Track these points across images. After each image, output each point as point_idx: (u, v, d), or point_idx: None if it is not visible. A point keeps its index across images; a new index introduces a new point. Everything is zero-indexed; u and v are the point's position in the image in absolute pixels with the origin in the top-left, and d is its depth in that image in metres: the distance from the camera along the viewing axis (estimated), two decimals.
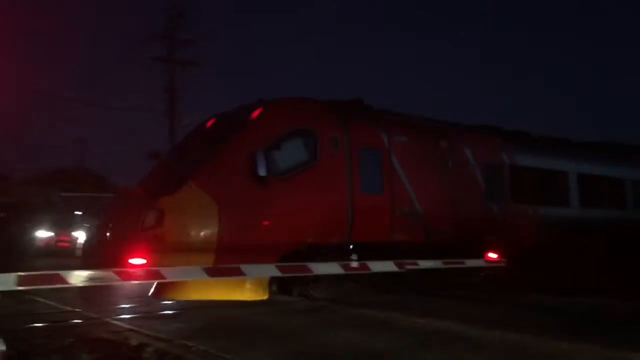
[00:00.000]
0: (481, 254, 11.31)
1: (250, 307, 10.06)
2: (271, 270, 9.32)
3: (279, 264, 9.31)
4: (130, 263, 8.60)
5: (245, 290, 9.69)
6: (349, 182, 10.86)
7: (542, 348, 7.13)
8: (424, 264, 10.83)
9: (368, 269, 10.54)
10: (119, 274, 7.36)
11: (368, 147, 11.30)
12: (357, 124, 11.39)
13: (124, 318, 9.45)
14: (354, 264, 10.05)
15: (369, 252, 10.29)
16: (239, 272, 8.13)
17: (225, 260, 8.89)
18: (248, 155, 9.58)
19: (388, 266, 11.34)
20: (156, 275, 7.79)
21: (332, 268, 9.90)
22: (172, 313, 10.04)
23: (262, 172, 9.50)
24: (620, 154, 16.99)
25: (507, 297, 11.76)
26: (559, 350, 6.95)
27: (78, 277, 6.96)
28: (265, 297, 9.95)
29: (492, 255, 11.61)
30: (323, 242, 10.62)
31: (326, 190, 10.62)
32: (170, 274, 7.73)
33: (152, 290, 9.90)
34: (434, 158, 12.39)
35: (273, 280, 10.32)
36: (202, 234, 9.26)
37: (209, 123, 11.41)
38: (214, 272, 8.10)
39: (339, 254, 10.34)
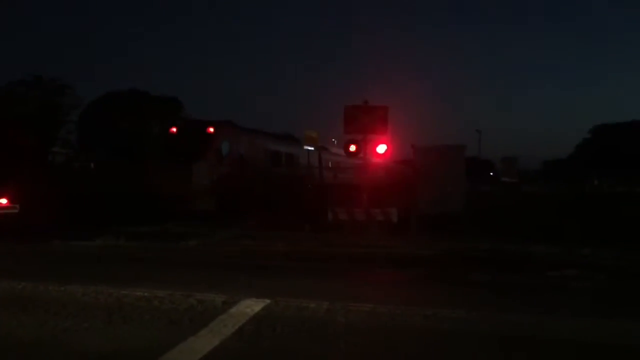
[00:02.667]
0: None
1: None
2: None
3: None
4: None
5: None
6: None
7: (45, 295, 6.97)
8: None
9: None
10: None
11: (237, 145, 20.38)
12: (238, 135, 20.80)
13: None
14: None
15: None
16: None
17: None
18: (215, 150, 19.08)
19: None
20: None
21: None
22: None
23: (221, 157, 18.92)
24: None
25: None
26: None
27: None
28: None
29: (2, 201, 10.82)
30: None
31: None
32: None
33: None
34: (255, 147, 21.25)
35: None
36: None
37: (174, 129, 21.90)
38: None
39: None
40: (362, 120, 14.65)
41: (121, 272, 8.67)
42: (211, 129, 19.39)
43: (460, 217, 14.03)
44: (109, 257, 10.62)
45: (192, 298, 6.62)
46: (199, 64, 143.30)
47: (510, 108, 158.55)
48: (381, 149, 14.95)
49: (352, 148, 14.78)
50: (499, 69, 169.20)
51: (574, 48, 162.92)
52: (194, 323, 5.66)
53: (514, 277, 8.89)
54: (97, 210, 14.74)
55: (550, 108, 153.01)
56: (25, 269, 8.63)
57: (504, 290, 7.94)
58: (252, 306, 6.30)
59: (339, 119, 14.95)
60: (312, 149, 28.06)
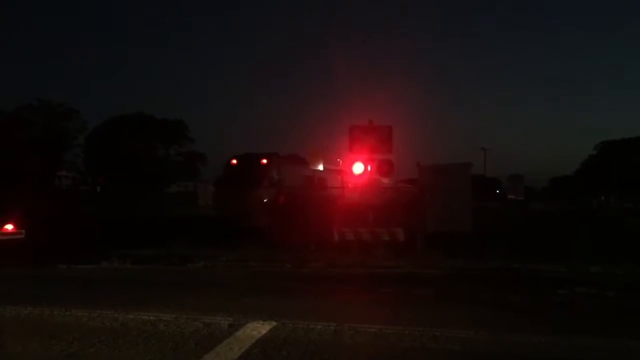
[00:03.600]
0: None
1: None
2: None
3: None
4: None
5: None
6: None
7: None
8: None
9: None
10: None
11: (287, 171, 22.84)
12: (283, 164, 22.97)
13: None
14: None
15: None
16: None
17: None
18: (269, 178, 21.70)
19: None
20: None
21: None
22: None
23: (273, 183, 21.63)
24: None
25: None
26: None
27: None
28: None
29: (8, 227, 10.85)
30: None
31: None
32: None
33: None
34: (295, 173, 23.37)
35: None
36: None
37: (234, 161, 22.89)
38: None
39: None
40: (366, 140, 14.65)
41: (127, 296, 8.61)
42: (264, 161, 23.34)
43: (467, 236, 13.93)
44: (115, 280, 10.58)
45: (198, 321, 6.57)
46: (199, 81, 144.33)
47: (516, 125, 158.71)
48: (386, 167, 14.92)
49: (359, 168, 14.77)
50: (504, 86, 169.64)
51: (580, 64, 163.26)
52: (200, 347, 5.61)
53: (522, 296, 8.79)
54: (103, 233, 14.77)
55: (555, 125, 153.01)
56: (30, 294, 8.58)
57: (513, 309, 7.86)
58: (258, 329, 6.25)
59: (344, 138, 14.99)
60: (320, 168, 28.67)
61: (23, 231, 11.29)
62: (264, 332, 6.15)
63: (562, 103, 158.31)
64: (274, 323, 6.45)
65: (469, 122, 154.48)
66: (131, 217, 25.85)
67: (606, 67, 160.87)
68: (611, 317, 7.50)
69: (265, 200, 21.81)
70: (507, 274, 10.73)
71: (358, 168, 14.64)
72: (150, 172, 52.19)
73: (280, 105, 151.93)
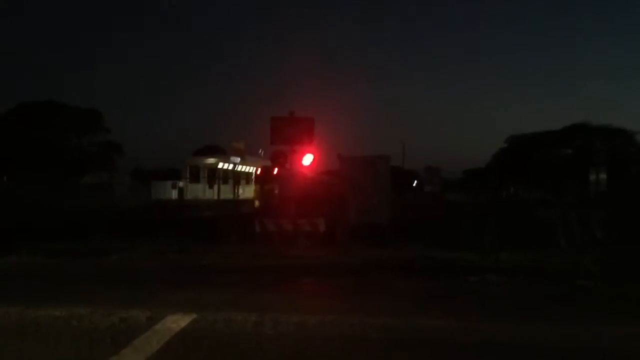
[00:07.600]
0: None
1: None
2: None
3: None
4: None
5: None
6: None
7: None
8: None
9: None
10: None
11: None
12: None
13: None
14: None
15: None
16: None
17: None
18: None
19: None
20: None
21: None
22: None
23: None
24: None
25: None
26: None
27: None
28: None
29: None
30: None
31: None
32: None
33: None
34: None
35: None
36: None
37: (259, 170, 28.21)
38: None
39: None
40: (288, 132, 14.73)
41: (38, 292, 8.20)
42: (275, 170, 28.70)
43: (386, 227, 14.32)
44: (25, 275, 10.01)
45: (114, 316, 6.38)
46: (116, 69, 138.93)
47: (434, 118, 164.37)
48: (307, 159, 15.09)
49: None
50: (422, 80, 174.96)
51: (493, 60, 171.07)
52: (116, 342, 5.46)
53: (437, 283, 9.16)
54: (10, 225, 13.93)
55: (471, 117, 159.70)
56: None
57: (428, 296, 8.19)
58: (178, 321, 6.16)
59: (267, 130, 14.97)
60: (239, 159, 28.74)
61: None
62: (183, 324, 6.07)
63: (478, 97, 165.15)
64: (194, 315, 6.38)
65: (389, 114, 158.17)
66: (42, 208, 24.59)
67: (518, 64, 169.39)
68: (519, 301, 7.99)
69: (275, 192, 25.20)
70: (423, 263, 11.14)
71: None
72: (61, 162, 49.77)
73: (201, 95, 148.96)
